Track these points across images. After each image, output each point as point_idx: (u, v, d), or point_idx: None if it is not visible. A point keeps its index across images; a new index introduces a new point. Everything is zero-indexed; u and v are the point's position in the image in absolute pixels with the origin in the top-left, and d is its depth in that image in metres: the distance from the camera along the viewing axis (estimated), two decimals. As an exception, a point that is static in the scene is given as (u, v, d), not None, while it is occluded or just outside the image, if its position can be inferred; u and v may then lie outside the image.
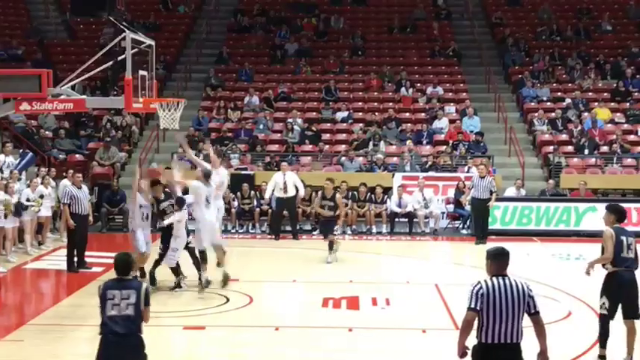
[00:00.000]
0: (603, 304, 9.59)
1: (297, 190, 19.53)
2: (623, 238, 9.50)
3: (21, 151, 19.88)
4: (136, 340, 7.18)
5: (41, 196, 17.00)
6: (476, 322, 6.86)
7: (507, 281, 6.90)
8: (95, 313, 11.56)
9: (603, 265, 9.67)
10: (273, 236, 19.62)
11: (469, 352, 6.91)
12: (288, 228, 19.81)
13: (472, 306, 6.82)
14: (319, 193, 16.99)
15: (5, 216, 15.55)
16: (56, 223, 18.92)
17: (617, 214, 9.73)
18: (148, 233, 13.58)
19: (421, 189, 20.58)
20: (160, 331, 11.03)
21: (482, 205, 18.80)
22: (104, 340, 7.22)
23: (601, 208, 19.69)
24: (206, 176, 13.03)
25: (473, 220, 19.48)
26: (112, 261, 15.45)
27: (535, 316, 6.98)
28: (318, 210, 16.65)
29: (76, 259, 15.04)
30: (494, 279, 6.91)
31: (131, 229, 13.64)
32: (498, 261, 7.02)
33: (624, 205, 20.01)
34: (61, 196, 16.45)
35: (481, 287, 6.86)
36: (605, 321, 9.64)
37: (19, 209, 16.07)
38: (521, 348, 6.90)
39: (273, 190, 19.67)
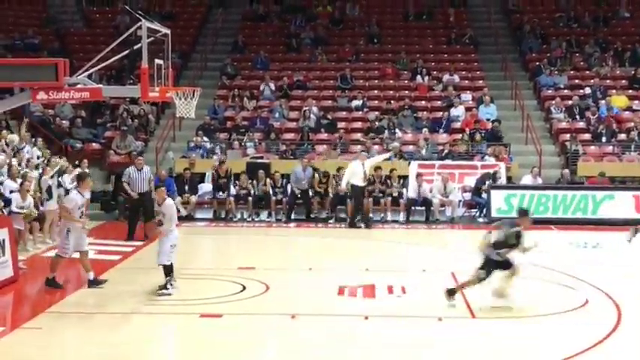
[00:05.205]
0: None
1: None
2: None
3: None
4: None
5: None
6: None
7: None
8: (112, 300, 11.68)
9: None
10: (350, 226, 19.28)
11: None
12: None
13: None
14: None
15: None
16: None
17: None
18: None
19: (444, 181, 20.42)
20: (177, 319, 11.11)
21: None
22: None
23: (618, 196, 19.86)
24: None
25: None
26: (128, 250, 15.57)
27: None
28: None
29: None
30: None
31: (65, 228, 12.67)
32: None
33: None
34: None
35: None
36: None
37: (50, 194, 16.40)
38: None
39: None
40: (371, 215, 20.00)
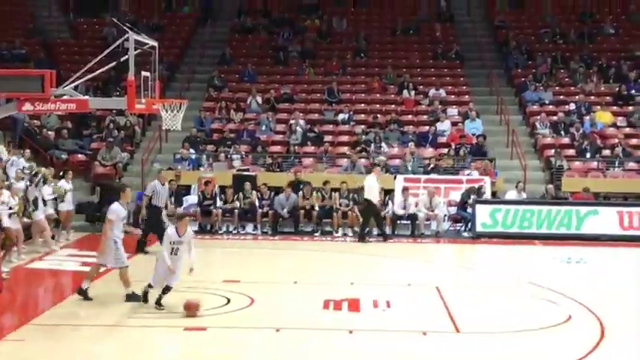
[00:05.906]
0: None
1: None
2: None
3: None
4: None
5: (64, 191, 17.69)
6: None
7: None
8: (96, 312, 11.63)
9: None
10: (360, 241, 19.27)
11: None
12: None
13: None
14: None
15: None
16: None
17: None
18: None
19: (430, 195, 20.48)
20: (161, 332, 11.07)
21: None
22: None
23: (602, 211, 19.98)
24: None
25: None
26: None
27: None
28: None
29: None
30: None
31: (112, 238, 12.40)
32: None
33: (626, 209, 20.30)
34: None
35: None
36: None
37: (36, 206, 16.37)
38: None
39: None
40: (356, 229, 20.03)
